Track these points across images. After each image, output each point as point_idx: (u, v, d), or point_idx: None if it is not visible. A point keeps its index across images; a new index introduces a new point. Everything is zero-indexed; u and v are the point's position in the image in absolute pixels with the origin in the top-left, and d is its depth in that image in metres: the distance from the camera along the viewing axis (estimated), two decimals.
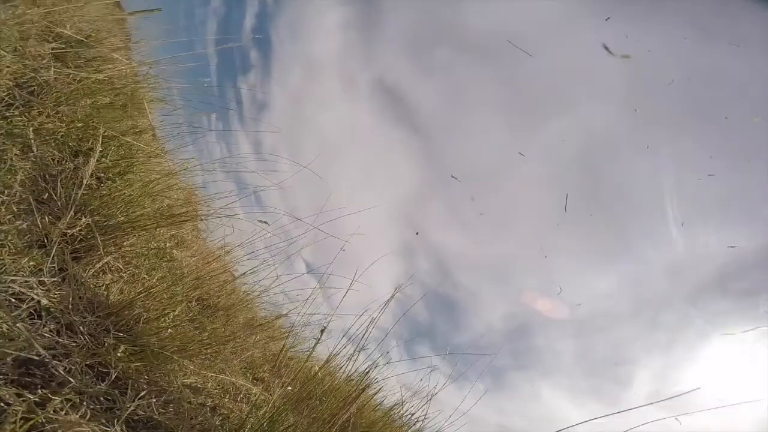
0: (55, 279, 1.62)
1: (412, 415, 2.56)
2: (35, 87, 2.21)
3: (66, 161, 2.17)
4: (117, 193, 2.14)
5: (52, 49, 2.41)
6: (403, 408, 2.59)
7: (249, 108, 3.41)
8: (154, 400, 1.59)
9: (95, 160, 2.07)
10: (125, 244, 2.03)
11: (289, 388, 1.99)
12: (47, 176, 2.01)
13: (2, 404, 1.10)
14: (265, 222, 2.34)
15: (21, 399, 1.15)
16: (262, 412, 1.80)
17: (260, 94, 3.52)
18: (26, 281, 1.49)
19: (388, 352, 2.33)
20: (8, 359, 1.21)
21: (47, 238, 1.75)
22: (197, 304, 2.19)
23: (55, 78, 2.28)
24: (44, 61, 2.32)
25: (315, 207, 2.35)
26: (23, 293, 1.44)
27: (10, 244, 1.57)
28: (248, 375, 2.39)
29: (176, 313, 1.86)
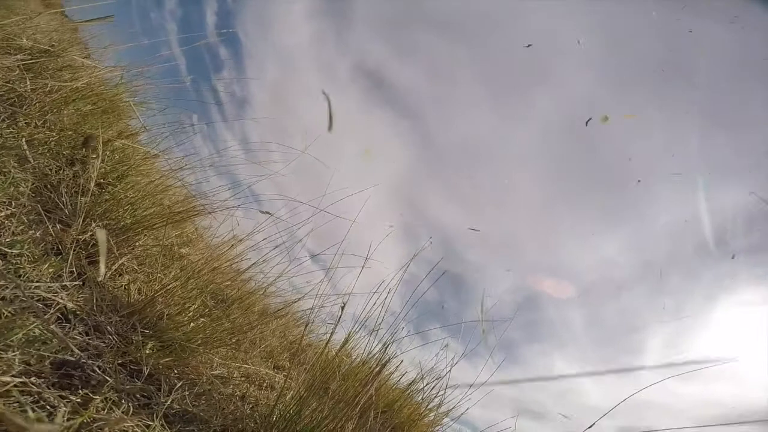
0: (76, 283, 1.66)
1: (430, 391, 2.62)
2: (14, 98, 2.22)
3: (63, 170, 2.18)
4: (120, 197, 2.17)
5: (19, 60, 2.40)
6: (420, 385, 2.65)
7: (229, 105, 3.43)
8: (187, 393, 1.65)
9: (98, 166, 2.10)
10: (137, 244, 2.07)
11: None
12: (49, 186, 2.04)
13: (48, 406, 1.14)
14: (268, 213, 2.37)
15: (65, 400, 1.19)
16: (288, 398, 1.86)
17: (238, 91, 3.51)
18: (49, 287, 1.52)
19: (401, 330, 2.38)
20: (46, 362, 1.25)
21: (61, 245, 1.78)
22: (212, 299, 2.23)
23: (32, 89, 2.29)
24: (15, 73, 2.32)
25: (313, 194, 2.39)
26: (49, 298, 1.48)
27: (27, 253, 1.60)
28: (269, 363, 2.44)
29: (195, 306, 1.90)
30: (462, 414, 2.72)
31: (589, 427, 1.65)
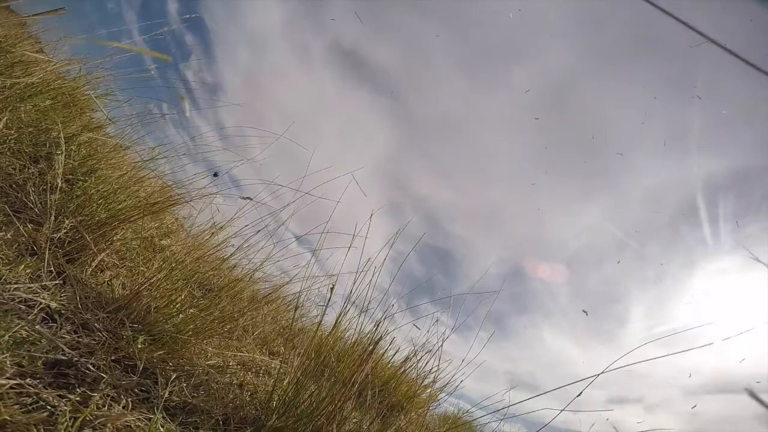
0: (56, 282, 1.61)
1: (423, 367, 2.64)
2: None
3: (28, 168, 2.11)
4: (92, 192, 2.10)
5: None
6: (414, 361, 2.67)
7: (201, 92, 3.34)
8: (185, 384, 1.62)
9: (63, 162, 2.03)
10: (115, 239, 2.01)
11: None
12: (14, 185, 1.97)
13: (48, 407, 1.11)
14: (249, 198, 2.34)
15: (64, 400, 1.16)
16: (285, 383, 1.85)
17: (209, 77, 3.42)
18: (29, 287, 1.48)
19: (392, 307, 2.38)
20: (39, 363, 1.22)
21: (35, 245, 1.72)
22: (198, 288, 2.20)
23: None
24: None
25: (294, 177, 2.36)
26: (30, 299, 1.43)
27: (1, 255, 1.54)
28: (264, 350, 2.42)
29: (182, 297, 1.87)
30: (457, 387, 2.76)
31: (577, 396, 1.68)
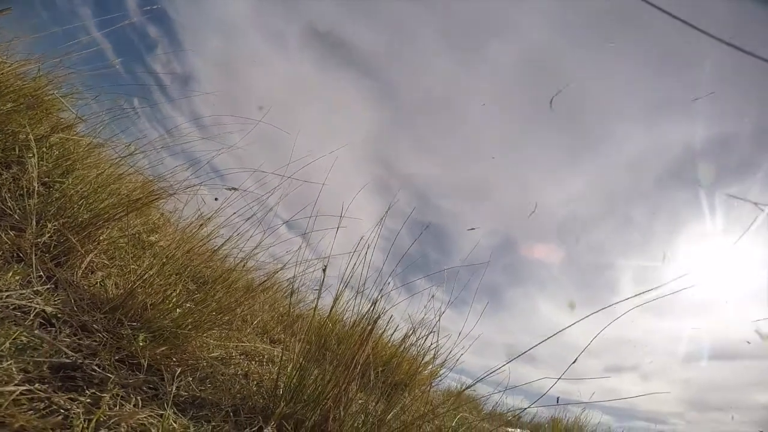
0: (48, 286, 1.58)
1: (422, 344, 2.66)
2: None
3: (0, 174, 2.05)
4: (71, 193, 2.06)
5: None
6: (413, 338, 2.68)
7: (172, 84, 3.26)
8: (191, 378, 1.62)
9: (36, 164, 1.98)
10: (101, 238, 1.98)
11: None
12: None
13: (62, 410, 1.10)
14: (234, 188, 2.31)
15: (76, 402, 1.15)
16: (289, 370, 1.85)
17: (179, 68, 3.34)
18: (21, 293, 1.45)
19: (387, 285, 2.39)
20: (44, 367, 1.20)
21: (20, 251, 1.68)
22: (192, 282, 2.18)
23: None
24: None
25: (278, 162, 2.33)
26: (24, 305, 1.40)
27: None
28: (265, 338, 2.42)
29: (177, 292, 1.85)
30: (457, 362, 2.79)
31: (572, 363, 1.72)
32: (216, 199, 2.37)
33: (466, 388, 2.43)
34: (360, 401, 2.02)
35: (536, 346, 1.75)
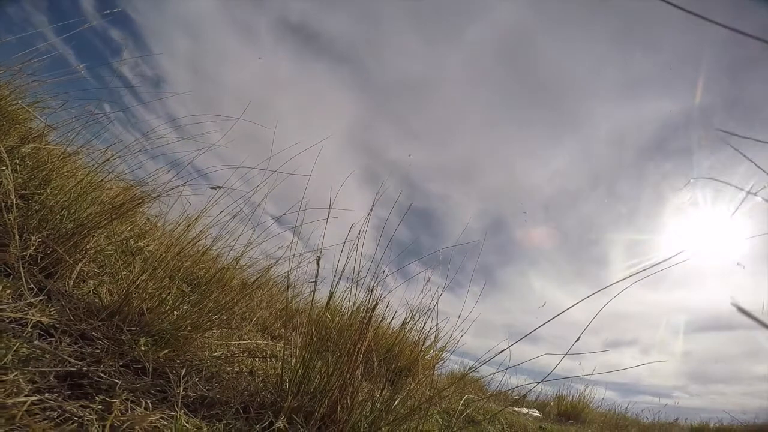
0: (41, 298, 1.57)
1: (422, 329, 2.68)
2: None
3: None
4: (51, 204, 2.03)
5: None
6: (412, 323, 2.70)
7: (143, 87, 3.21)
8: (197, 379, 1.62)
9: (11, 176, 1.95)
10: (88, 247, 1.96)
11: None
12: None
13: (75, 418, 1.10)
14: (219, 187, 2.30)
15: (87, 409, 1.15)
16: (293, 364, 1.87)
17: (148, 70, 3.29)
18: (15, 307, 1.44)
19: (382, 272, 2.40)
20: (51, 377, 1.20)
21: (7, 266, 1.67)
22: (186, 284, 2.17)
23: None
24: None
25: (260, 158, 2.32)
26: (20, 318, 1.39)
27: None
28: (266, 334, 2.42)
29: (172, 294, 1.85)
30: (458, 344, 2.82)
31: (576, 341, 1.76)
32: (219, 187, 2.34)
33: (470, 370, 2.46)
34: (365, 389, 2.04)
35: (540, 327, 1.78)
